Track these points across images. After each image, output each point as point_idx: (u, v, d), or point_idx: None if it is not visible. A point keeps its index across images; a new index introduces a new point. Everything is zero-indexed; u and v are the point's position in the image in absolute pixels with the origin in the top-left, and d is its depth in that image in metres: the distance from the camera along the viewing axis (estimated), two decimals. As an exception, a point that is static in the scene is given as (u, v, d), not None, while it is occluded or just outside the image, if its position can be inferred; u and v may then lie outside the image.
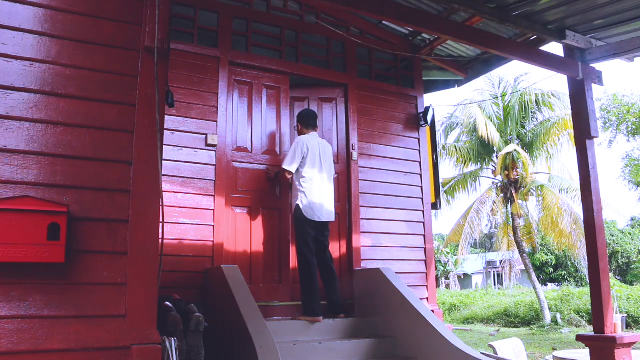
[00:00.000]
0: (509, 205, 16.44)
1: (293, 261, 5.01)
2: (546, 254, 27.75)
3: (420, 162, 5.90)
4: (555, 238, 16.23)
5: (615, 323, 4.33)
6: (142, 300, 2.53)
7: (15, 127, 2.50)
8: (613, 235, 28.32)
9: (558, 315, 16.28)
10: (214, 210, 4.61)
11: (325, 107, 5.56)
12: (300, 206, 4.58)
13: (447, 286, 32.56)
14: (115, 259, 2.56)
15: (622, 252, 28.23)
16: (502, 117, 16.96)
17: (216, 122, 4.76)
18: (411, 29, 5.84)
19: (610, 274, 25.15)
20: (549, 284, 28.87)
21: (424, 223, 5.77)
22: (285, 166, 4.64)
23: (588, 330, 14.58)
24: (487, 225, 20.13)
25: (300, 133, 4.86)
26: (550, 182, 16.36)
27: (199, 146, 4.66)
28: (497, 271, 34.05)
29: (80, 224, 2.52)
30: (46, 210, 2.39)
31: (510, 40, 5.10)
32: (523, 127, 16.90)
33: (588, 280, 4.98)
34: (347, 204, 5.37)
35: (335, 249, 5.24)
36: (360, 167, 5.49)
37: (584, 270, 25.12)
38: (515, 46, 4.85)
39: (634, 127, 17.65)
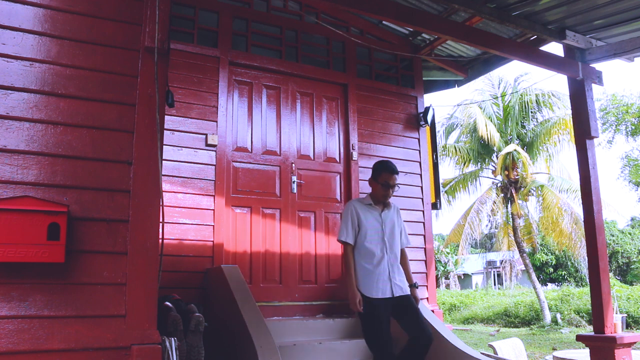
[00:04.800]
0: (509, 205, 16.44)
1: (293, 262, 5.01)
2: (546, 254, 27.73)
3: (420, 162, 5.90)
4: (555, 238, 16.22)
5: (615, 323, 4.33)
6: (142, 300, 2.53)
7: (15, 127, 2.50)
8: (613, 235, 28.30)
9: (558, 315, 16.28)
10: (214, 210, 4.61)
11: (325, 106, 5.56)
12: (362, 288, 3.45)
13: (447, 286, 32.53)
14: (115, 259, 2.56)
15: (622, 252, 28.20)
16: (502, 117, 16.96)
17: (216, 122, 4.77)
18: (411, 29, 5.84)
19: (610, 274, 25.15)
20: (549, 284, 28.85)
21: (424, 223, 5.77)
22: (341, 237, 3.57)
23: (588, 330, 14.58)
24: (487, 225, 20.11)
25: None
26: (550, 182, 16.36)
27: (199, 146, 4.66)
28: (497, 271, 34.06)
29: (80, 224, 2.52)
30: (46, 210, 2.39)
31: (510, 40, 5.10)
32: (523, 127, 16.90)
33: (588, 280, 4.98)
34: (347, 204, 5.37)
35: (336, 248, 5.25)
36: (360, 167, 5.49)
37: (584, 270, 25.12)
38: (515, 46, 4.85)
39: (632, 127, 17.65)
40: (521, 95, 16.34)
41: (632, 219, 31.30)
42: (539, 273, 26.72)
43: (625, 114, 17.46)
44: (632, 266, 27.93)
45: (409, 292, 3.55)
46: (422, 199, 5.82)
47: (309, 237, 5.14)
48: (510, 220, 16.47)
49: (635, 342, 4.35)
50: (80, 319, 2.43)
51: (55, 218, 2.39)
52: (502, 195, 16.62)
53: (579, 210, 15.09)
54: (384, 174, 3.68)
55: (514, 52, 4.64)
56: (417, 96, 6.06)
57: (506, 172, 16.15)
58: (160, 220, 2.67)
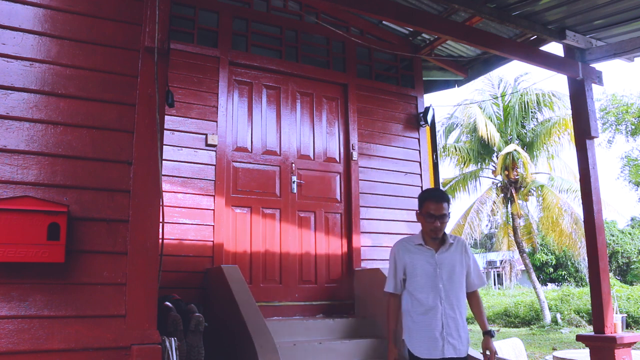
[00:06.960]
0: (509, 205, 16.46)
1: (293, 262, 5.01)
2: (546, 254, 27.73)
3: (420, 162, 5.90)
4: (555, 238, 16.25)
5: (615, 323, 4.33)
6: (142, 300, 2.53)
7: (15, 127, 2.50)
8: (613, 235, 28.28)
9: (558, 315, 16.29)
10: (214, 210, 4.61)
11: (325, 106, 5.56)
12: (407, 342, 2.97)
13: (447, 286, 32.44)
14: (115, 259, 2.56)
15: (622, 252, 28.18)
16: (502, 117, 16.98)
17: (216, 122, 4.77)
18: (411, 29, 5.84)
19: (610, 274, 25.14)
20: (549, 284, 28.84)
21: (424, 223, 5.76)
22: (387, 289, 3.07)
23: (588, 330, 14.58)
24: (487, 225, 20.15)
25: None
26: (550, 182, 16.38)
27: (199, 146, 4.66)
28: (498, 271, 34.03)
29: (80, 224, 2.52)
30: (46, 210, 2.39)
31: (510, 40, 5.10)
32: (523, 127, 16.93)
33: (588, 280, 4.99)
34: (347, 204, 5.37)
35: (336, 248, 5.25)
36: (360, 167, 5.49)
37: (584, 270, 25.11)
38: (515, 46, 4.85)
39: (632, 127, 17.66)
40: (521, 95, 16.37)
41: (632, 219, 31.29)
42: (539, 273, 26.71)
43: (625, 113, 17.48)
44: (632, 266, 27.93)
45: (463, 355, 2.89)
46: (422, 199, 5.81)
47: (309, 237, 5.14)
48: (510, 220, 16.49)
49: (635, 342, 4.35)
50: (80, 319, 2.43)
51: (55, 218, 2.39)
52: (502, 195, 16.64)
53: (579, 210, 15.10)
54: (426, 202, 2.96)
55: (514, 52, 4.64)
56: (417, 96, 6.06)
57: (506, 172, 16.16)
58: (160, 220, 2.67)
